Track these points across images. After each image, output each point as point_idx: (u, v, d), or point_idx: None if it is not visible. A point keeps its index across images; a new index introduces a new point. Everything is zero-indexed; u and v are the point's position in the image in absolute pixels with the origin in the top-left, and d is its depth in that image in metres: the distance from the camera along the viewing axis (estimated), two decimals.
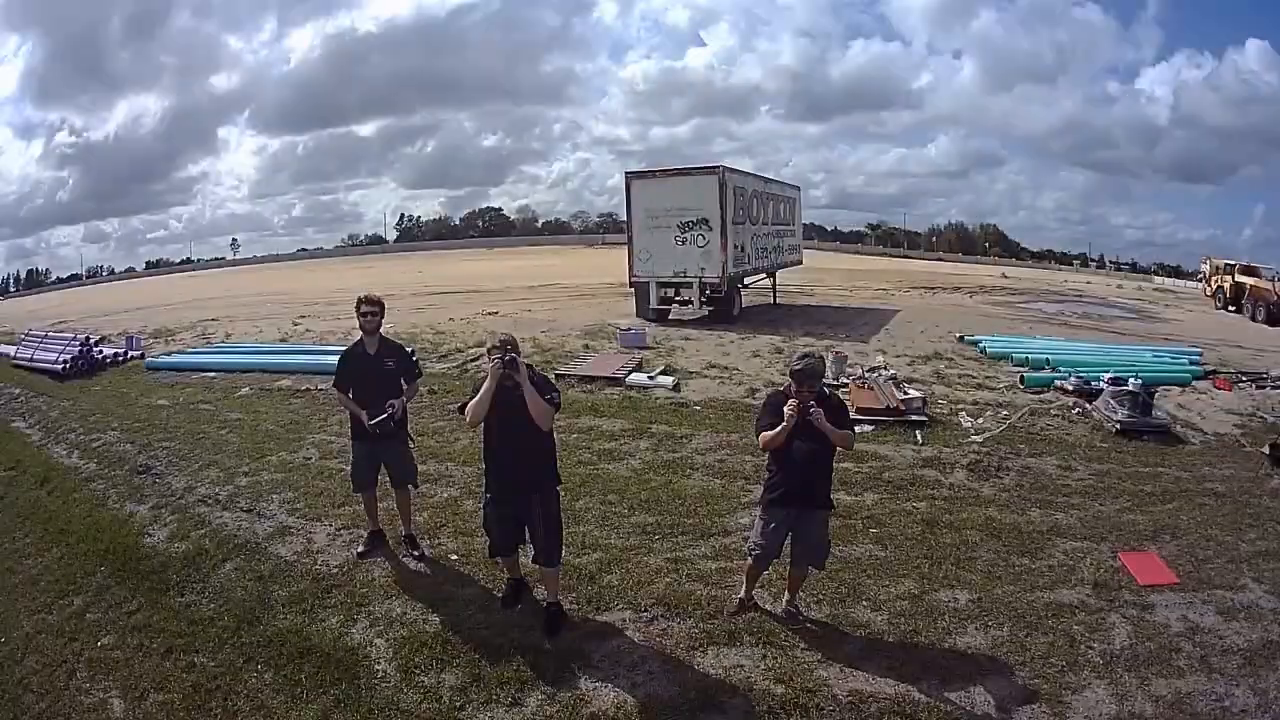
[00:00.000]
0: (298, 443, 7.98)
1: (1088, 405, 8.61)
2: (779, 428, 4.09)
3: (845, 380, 9.75)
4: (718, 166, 15.32)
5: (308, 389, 10.15)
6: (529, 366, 4.22)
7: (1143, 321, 20.16)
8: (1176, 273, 49.49)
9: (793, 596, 4.58)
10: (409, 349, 5.85)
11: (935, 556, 5.12)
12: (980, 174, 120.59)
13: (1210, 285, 27.13)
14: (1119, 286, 36.19)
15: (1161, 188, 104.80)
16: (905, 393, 8.87)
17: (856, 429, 6.16)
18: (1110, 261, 62.35)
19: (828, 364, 4.04)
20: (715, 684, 3.96)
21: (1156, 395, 8.55)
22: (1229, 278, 25.02)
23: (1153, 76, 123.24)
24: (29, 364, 13.89)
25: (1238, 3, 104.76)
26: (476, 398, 4.16)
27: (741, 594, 4.64)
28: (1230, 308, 24.20)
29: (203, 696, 4.14)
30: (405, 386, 5.32)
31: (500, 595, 4.75)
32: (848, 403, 7.60)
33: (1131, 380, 8.58)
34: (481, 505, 4.65)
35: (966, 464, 6.88)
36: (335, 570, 5.22)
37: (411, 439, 5.52)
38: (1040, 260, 60.24)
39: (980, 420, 8.27)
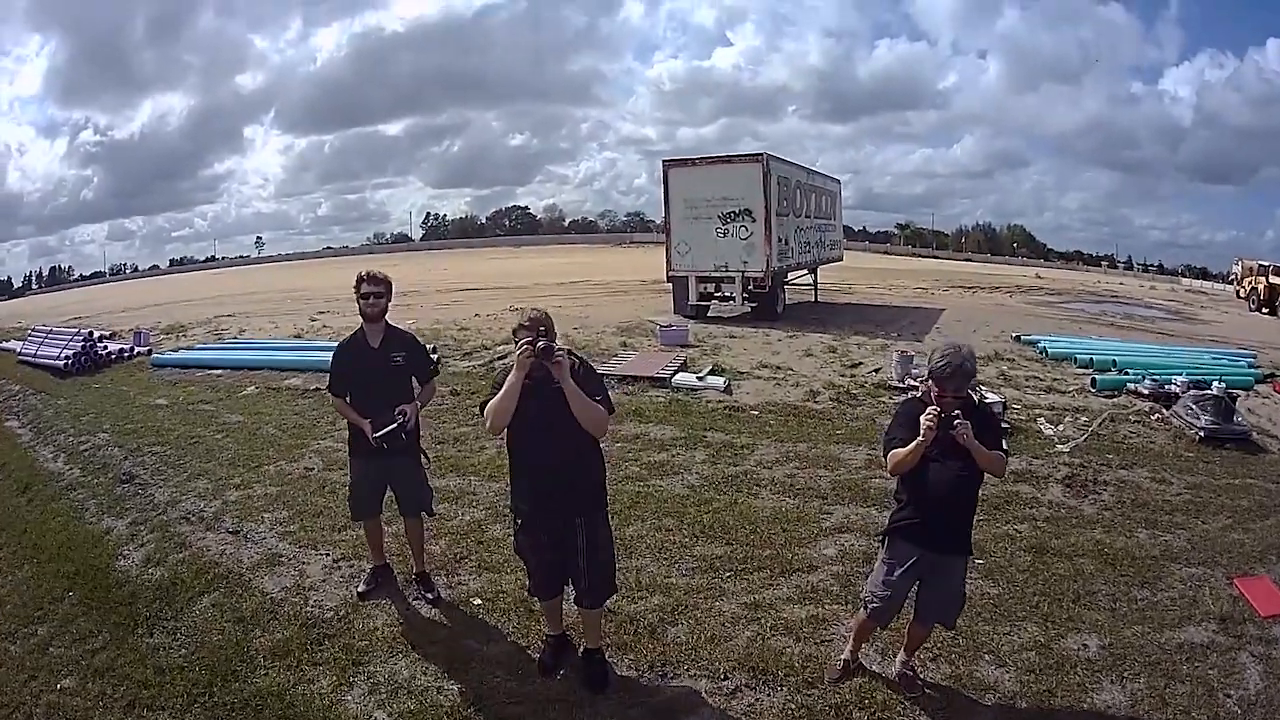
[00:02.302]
0: (300, 450, 7.03)
1: (1165, 411, 8.03)
2: (913, 444, 3.13)
3: (914, 382, 8.81)
4: (761, 154, 14.35)
5: (317, 388, 9.21)
6: (570, 353, 3.18)
7: (1184, 323, 19.77)
8: (1204, 274, 49.61)
9: (910, 656, 3.63)
10: (430, 348, 4.67)
11: (1053, 593, 4.41)
12: (1005, 174, 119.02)
13: (1243, 287, 26.85)
14: (1152, 288, 36.07)
15: (1184, 188, 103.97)
16: (983, 396, 7.84)
17: None
18: (1137, 264, 61.51)
19: (955, 362, 3.01)
20: None
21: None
22: (1263, 279, 24.83)
23: (1176, 76, 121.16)
24: (33, 360, 13.32)
25: (1259, 2, 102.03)
26: (499, 394, 3.14)
27: (846, 654, 3.67)
28: (1264, 310, 23.87)
29: None
30: (419, 389, 4.26)
31: (537, 656, 3.71)
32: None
33: (1215, 384, 8.17)
34: (512, 533, 3.65)
35: (1061, 478, 6.20)
36: (330, 614, 4.20)
37: (426, 456, 4.43)
38: (1069, 261, 60.12)
39: (1060, 427, 7.63)
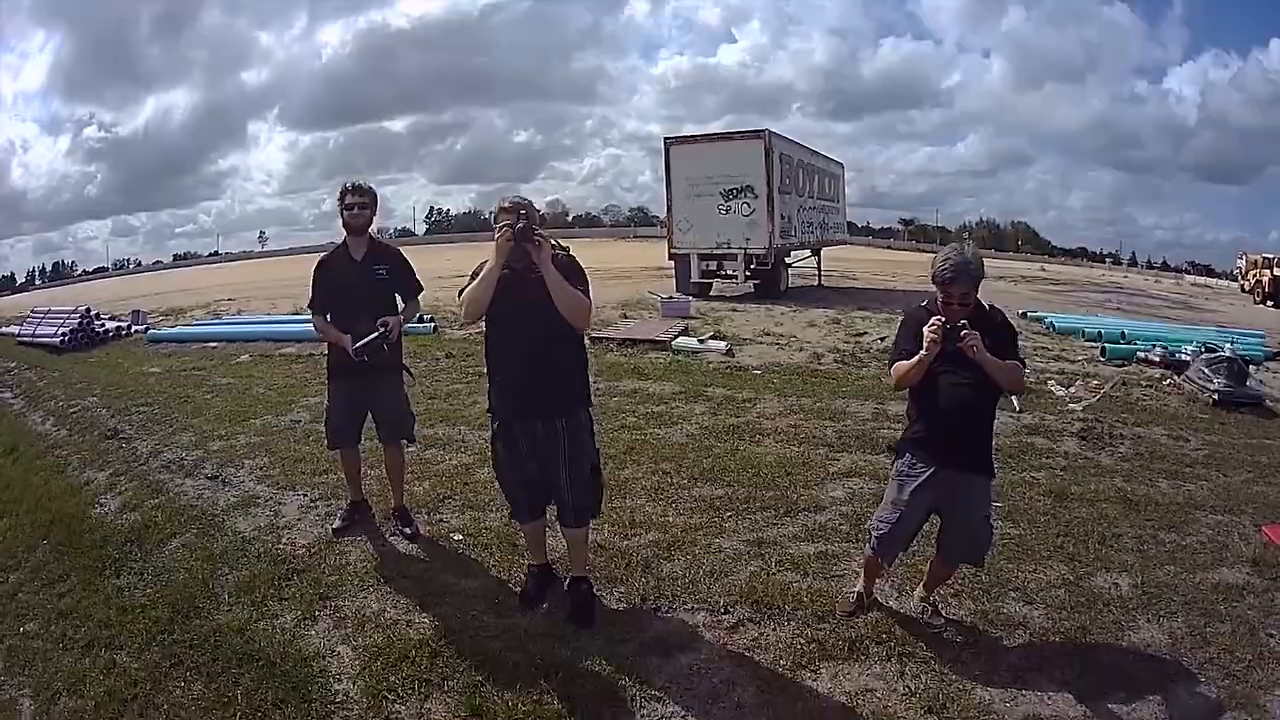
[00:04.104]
0: (288, 406, 6.81)
1: (1177, 377, 8.06)
2: (916, 358, 2.86)
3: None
4: (763, 130, 14.12)
5: (312, 354, 9.03)
6: (552, 242, 2.95)
7: (1190, 311, 19.66)
8: (1208, 271, 48.97)
9: (929, 592, 3.33)
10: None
11: (1076, 534, 4.21)
12: (1009, 173, 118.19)
13: (1248, 280, 26.88)
14: (1156, 281, 36.34)
15: (1188, 187, 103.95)
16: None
17: None
18: (1141, 261, 61.41)
19: (959, 261, 2.91)
20: (840, 717, 2.75)
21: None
22: (1268, 272, 24.70)
23: (1180, 76, 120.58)
24: (31, 340, 13.21)
25: (1262, 2, 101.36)
26: (476, 281, 2.92)
27: (859, 587, 3.37)
28: (1269, 302, 23.84)
29: (117, 706, 3.04)
30: (403, 305, 4.01)
31: (519, 589, 3.45)
32: None
33: (1227, 345, 8.15)
34: (489, 442, 3.34)
35: (1076, 432, 6.12)
36: (301, 551, 3.96)
37: (409, 372, 4.16)
38: (1073, 258, 59.72)
39: (1072, 389, 7.66)
